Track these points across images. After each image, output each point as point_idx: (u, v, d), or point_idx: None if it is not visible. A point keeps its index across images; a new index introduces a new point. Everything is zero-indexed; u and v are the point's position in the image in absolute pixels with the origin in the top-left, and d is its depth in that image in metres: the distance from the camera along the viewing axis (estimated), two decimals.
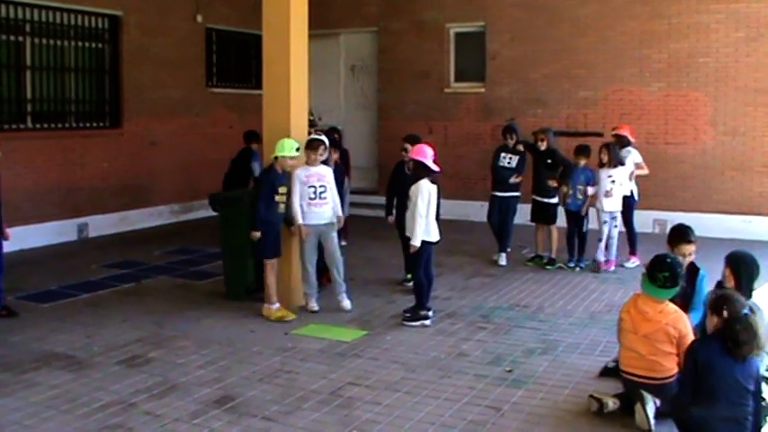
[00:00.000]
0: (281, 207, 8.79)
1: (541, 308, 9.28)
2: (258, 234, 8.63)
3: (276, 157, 8.69)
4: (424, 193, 8.35)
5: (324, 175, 8.93)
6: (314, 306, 8.97)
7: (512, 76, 15.35)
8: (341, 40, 17.54)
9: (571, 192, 11.13)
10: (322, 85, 16.53)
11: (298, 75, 9.08)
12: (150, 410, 6.18)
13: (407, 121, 15.98)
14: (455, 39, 16.24)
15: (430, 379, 6.92)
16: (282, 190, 8.76)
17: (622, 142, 11.37)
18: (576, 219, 11.25)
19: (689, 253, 6.82)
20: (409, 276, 9.72)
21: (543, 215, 11.47)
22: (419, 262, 8.55)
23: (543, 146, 11.36)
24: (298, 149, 8.70)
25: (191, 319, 8.71)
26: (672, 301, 6.08)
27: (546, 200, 11.40)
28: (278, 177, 8.74)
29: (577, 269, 11.12)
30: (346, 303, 8.98)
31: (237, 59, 17.03)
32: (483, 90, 15.71)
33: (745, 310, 5.30)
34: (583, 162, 11.10)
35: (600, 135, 11.52)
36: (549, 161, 11.31)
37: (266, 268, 8.77)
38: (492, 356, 7.53)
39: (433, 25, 16.18)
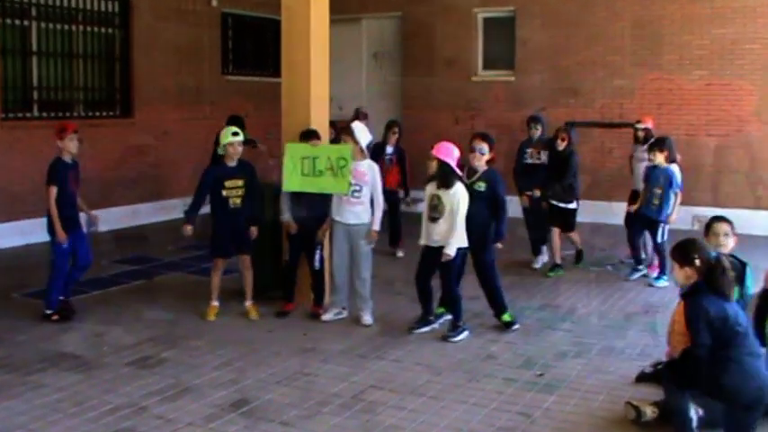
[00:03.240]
0: (233, 202, 8.55)
1: (574, 309, 9.24)
2: (189, 228, 8.48)
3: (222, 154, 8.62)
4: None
5: (364, 173, 8.53)
6: (328, 316, 8.71)
7: (543, 64, 15.28)
8: (363, 26, 17.53)
9: (648, 195, 10.38)
10: (343, 73, 16.48)
11: (318, 62, 9.06)
12: (162, 414, 6.19)
13: (433, 111, 15.97)
14: (483, 24, 16.19)
15: (456, 382, 6.90)
16: (232, 183, 8.52)
17: (647, 136, 11.17)
18: (651, 225, 10.43)
19: (724, 233, 6.68)
20: (441, 310, 8.70)
21: (560, 221, 11.00)
22: (455, 272, 8.30)
23: (562, 145, 10.84)
24: (235, 133, 8.52)
25: (203, 317, 8.72)
26: None
27: (564, 204, 10.96)
28: (225, 170, 8.58)
29: (636, 277, 10.74)
30: (367, 319, 8.60)
31: (255, 45, 17.04)
32: (513, 78, 15.66)
33: (714, 253, 5.56)
34: (660, 159, 10.23)
35: (633, 126, 11.48)
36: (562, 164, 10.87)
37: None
38: (522, 359, 7.51)
39: (460, 10, 16.12)
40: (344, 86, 16.93)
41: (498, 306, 8.58)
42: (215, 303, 8.78)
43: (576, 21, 14.91)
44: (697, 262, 5.55)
